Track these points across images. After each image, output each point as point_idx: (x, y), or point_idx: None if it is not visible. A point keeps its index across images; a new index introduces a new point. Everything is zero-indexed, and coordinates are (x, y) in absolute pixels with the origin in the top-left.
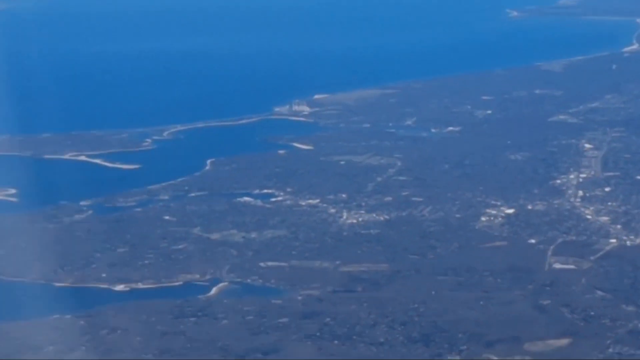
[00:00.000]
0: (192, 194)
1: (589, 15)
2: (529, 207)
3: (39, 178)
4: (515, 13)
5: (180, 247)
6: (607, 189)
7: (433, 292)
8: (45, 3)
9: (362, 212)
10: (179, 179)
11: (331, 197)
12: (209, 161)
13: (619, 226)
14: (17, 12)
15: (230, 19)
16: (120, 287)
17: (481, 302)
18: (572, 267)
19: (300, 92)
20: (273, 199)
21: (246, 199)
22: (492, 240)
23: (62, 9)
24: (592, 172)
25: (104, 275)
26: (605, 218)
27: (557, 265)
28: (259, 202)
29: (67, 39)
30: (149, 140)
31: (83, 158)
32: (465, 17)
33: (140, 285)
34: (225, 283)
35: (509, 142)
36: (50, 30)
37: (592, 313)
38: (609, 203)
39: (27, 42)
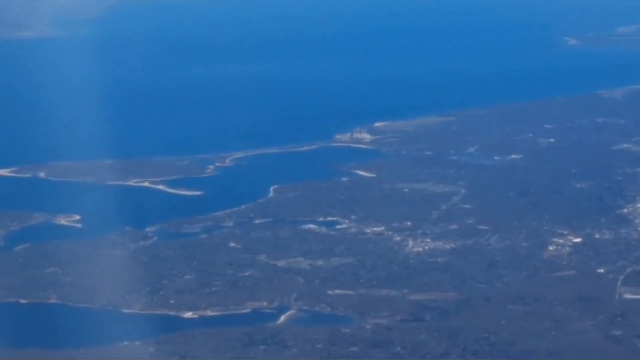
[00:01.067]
0: (257, 221)
1: None
2: (597, 236)
3: (103, 204)
4: (573, 41)
5: (247, 274)
6: None
7: (503, 322)
8: (101, 29)
9: (428, 240)
10: (243, 206)
11: (396, 224)
12: (272, 188)
13: None
14: (74, 38)
15: (290, 45)
16: (188, 314)
17: (552, 332)
18: None
19: (361, 120)
20: (338, 227)
21: (311, 226)
22: (561, 269)
23: (119, 34)
24: None
25: (172, 301)
26: None
27: (628, 295)
28: (323, 230)
29: (127, 65)
30: (211, 166)
31: (146, 184)
32: (523, 45)
33: (209, 312)
34: (294, 311)
35: (573, 170)
36: (110, 56)
37: None
38: None
39: (85, 67)
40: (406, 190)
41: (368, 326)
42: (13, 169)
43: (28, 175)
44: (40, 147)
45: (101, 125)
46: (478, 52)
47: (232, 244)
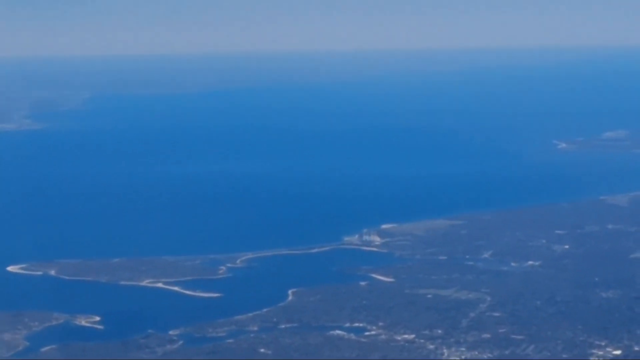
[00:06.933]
0: (282, 326)
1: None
2: (636, 348)
3: (121, 305)
4: (563, 145)
5: None
6: None
7: None
8: (82, 122)
9: (463, 349)
10: (265, 310)
11: (426, 332)
12: (290, 291)
13: None
14: (56, 131)
15: (292, 142)
16: None
17: None
18: None
19: (368, 221)
20: (367, 333)
21: (339, 332)
22: None
23: (102, 128)
24: None
25: None
26: None
27: None
28: (352, 336)
29: (117, 160)
30: (223, 267)
31: (160, 285)
32: (514, 148)
33: None
34: None
35: (596, 279)
36: (98, 151)
37: None
38: None
39: (73, 162)
40: (429, 296)
41: None
42: (23, 265)
43: (39, 272)
44: (47, 244)
45: (106, 222)
46: (474, 154)
47: (262, 350)
